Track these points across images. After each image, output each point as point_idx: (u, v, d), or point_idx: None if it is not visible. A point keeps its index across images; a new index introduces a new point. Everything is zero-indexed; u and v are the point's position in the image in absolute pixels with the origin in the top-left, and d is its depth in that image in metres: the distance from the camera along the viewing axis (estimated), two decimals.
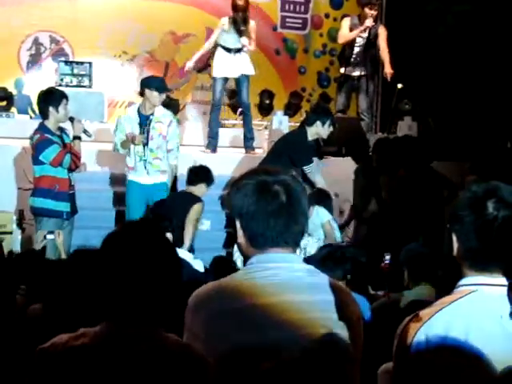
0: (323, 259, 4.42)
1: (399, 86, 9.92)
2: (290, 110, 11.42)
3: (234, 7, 8.87)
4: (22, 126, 9.47)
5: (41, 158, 6.57)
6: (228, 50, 8.95)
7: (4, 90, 10.46)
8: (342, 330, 2.15)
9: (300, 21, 12.64)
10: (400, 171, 7.69)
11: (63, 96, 6.69)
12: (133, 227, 2.07)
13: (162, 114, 7.26)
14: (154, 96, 7.12)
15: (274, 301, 2.12)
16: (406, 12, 11.47)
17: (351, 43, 9.58)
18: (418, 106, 10.11)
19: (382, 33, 9.48)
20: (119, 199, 7.90)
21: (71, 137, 6.78)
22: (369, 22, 9.38)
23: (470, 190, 2.13)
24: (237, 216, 2.21)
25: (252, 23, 8.97)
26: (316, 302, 2.15)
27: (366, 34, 9.48)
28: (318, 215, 6.91)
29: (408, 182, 7.58)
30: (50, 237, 6.02)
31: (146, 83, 7.25)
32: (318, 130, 7.41)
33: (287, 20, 12.55)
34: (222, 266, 5.46)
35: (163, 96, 7.27)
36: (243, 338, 2.09)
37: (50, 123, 6.62)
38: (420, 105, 10.20)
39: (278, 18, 12.48)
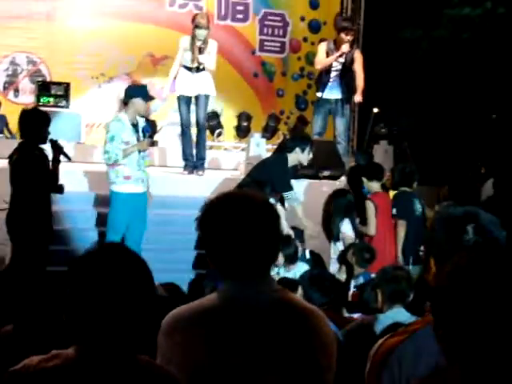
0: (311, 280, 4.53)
1: (375, 110, 10.01)
2: (268, 132, 11.48)
3: (195, 25, 8.86)
4: None
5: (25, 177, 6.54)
6: (189, 68, 8.92)
7: None
8: (313, 357, 2.14)
9: (278, 44, 12.72)
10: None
11: (46, 117, 6.68)
12: (107, 248, 2.05)
13: (142, 122, 7.38)
14: (140, 104, 7.21)
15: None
16: (382, 37, 11.61)
17: (328, 67, 9.66)
18: (393, 130, 10.20)
19: (358, 58, 9.58)
20: (100, 219, 7.86)
21: (50, 158, 6.75)
22: (345, 48, 9.48)
23: (447, 212, 2.12)
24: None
25: (213, 43, 8.95)
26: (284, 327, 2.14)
27: (342, 59, 9.57)
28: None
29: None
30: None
31: (132, 92, 7.32)
32: (299, 157, 7.53)
33: (265, 43, 12.63)
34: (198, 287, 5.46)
35: (147, 104, 7.41)
36: (217, 362, 2.09)
37: (30, 144, 6.56)
38: (396, 129, 10.29)
39: (256, 41, 12.55)
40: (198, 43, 8.80)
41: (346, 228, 7.33)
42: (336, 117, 9.79)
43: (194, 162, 9.11)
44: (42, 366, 1.96)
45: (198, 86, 8.92)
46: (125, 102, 7.35)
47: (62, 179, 7.03)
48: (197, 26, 8.81)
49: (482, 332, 1.55)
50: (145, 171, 7.31)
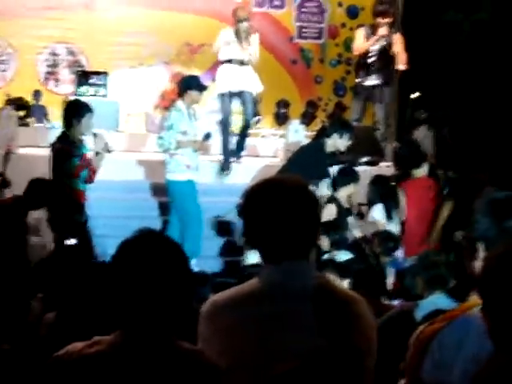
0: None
1: (415, 95, 9.92)
2: (306, 118, 11.43)
3: (238, 19, 8.74)
4: (39, 134, 9.59)
5: (62, 167, 6.65)
6: (231, 62, 8.76)
7: (22, 100, 10.56)
8: (354, 342, 2.14)
9: (316, 31, 12.65)
10: None
11: (87, 109, 6.79)
12: (146, 236, 2.07)
13: (197, 111, 7.65)
14: (196, 95, 7.43)
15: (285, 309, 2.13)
16: (423, 21, 11.46)
17: (366, 53, 9.59)
18: (433, 115, 10.09)
19: (398, 40, 9.50)
20: (139, 207, 7.98)
21: (90, 151, 6.83)
22: (382, 31, 9.40)
23: (491, 197, 2.12)
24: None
25: (255, 35, 8.84)
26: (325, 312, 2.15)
27: (380, 44, 9.49)
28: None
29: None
30: (70, 242, 6.12)
31: (187, 84, 7.51)
32: (336, 143, 7.43)
33: (303, 30, 12.57)
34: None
35: (201, 94, 7.53)
36: (258, 347, 2.10)
37: (72, 134, 6.71)
38: (436, 114, 10.18)
39: (294, 28, 12.50)
40: (243, 35, 8.69)
41: (377, 214, 7.26)
42: (375, 102, 9.73)
43: (230, 160, 8.91)
44: (84, 352, 1.99)
45: (243, 81, 8.76)
46: (180, 94, 7.52)
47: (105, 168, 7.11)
48: (239, 20, 8.69)
49: None
50: (198, 160, 7.54)
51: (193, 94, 7.41)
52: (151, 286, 1.98)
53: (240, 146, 8.99)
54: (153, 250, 2.02)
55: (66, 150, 6.62)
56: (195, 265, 7.31)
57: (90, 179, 6.73)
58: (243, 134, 9.00)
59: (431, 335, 2.06)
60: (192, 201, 7.45)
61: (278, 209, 2.16)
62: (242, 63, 8.74)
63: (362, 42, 9.57)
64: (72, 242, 6.12)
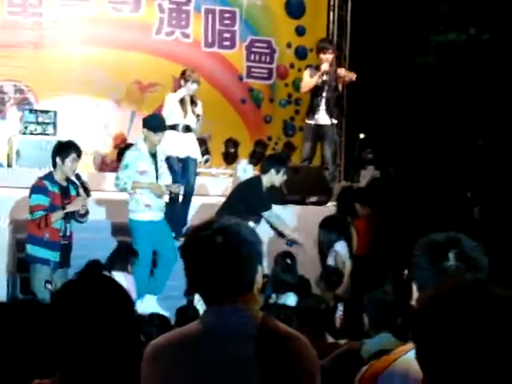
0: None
1: (361, 135, 10.08)
2: (255, 158, 11.50)
3: (187, 80, 8.43)
4: None
5: (29, 200, 6.75)
6: (176, 128, 8.39)
7: None
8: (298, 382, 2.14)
9: (265, 71, 12.78)
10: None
11: (74, 149, 6.86)
12: (88, 278, 2.06)
13: (161, 151, 7.59)
14: (154, 136, 7.36)
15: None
16: (368, 63, 11.69)
17: (316, 92, 9.76)
18: (380, 155, 10.26)
19: (342, 70, 9.79)
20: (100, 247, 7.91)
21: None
22: (325, 67, 9.64)
23: (430, 237, 2.14)
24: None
25: (199, 103, 8.65)
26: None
27: (325, 79, 9.69)
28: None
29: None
30: (48, 286, 6.10)
31: (147, 124, 7.49)
32: (272, 178, 7.55)
33: (253, 70, 12.69)
34: (185, 316, 5.43)
35: (163, 134, 7.48)
36: None
37: (57, 173, 6.82)
38: (382, 154, 10.34)
39: (243, 68, 12.62)
40: (191, 98, 8.51)
41: (341, 248, 7.36)
42: (324, 142, 9.84)
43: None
44: None
45: (187, 147, 8.51)
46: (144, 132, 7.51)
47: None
48: (193, 81, 8.42)
49: (460, 360, 1.55)
50: (162, 198, 7.52)
51: (150, 135, 7.38)
52: (90, 328, 1.95)
53: (183, 220, 8.45)
54: (93, 291, 2.01)
55: (39, 186, 6.74)
56: (153, 304, 7.28)
57: (41, 223, 6.66)
58: (185, 204, 8.60)
59: (376, 374, 2.08)
60: (145, 242, 7.37)
61: (212, 251, 2.16)
62: (187, 129, 8.50)
63: (308, 81, 9.78)
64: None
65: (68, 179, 6.90)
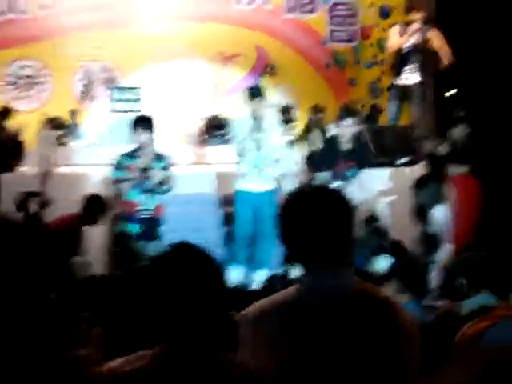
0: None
1: (451, 92, 9.84)
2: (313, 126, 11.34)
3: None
4: (77, 153, 9.70)
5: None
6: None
7: (59, 119, 10.69)
8: (396, 346, 2.13)
9: (348, 33, 12.60)
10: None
11: (140, 123, 7.05)
12: (180, 250, 2.08)
13: (273, 123, 7.59)
14: (255, 105, 7.29)
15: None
16: (457, 17, 11.31)
17: (401, 50, 9.56)
18: (471, 112, 9.99)
19: (435, 35, 9.46)
20: (223, 219, 8.13)
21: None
22: (416, 26, 9.39)
23: None
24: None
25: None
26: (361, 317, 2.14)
27: (415, 38, 9.46)
28: None
29: None
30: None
31: (248, 94, 7.43)
32: (341, 130, 7.45)
33: (335, 33, 12.53)
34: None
35: (262, 102, 7.39)
36: (302, 353, 2.10)
37: (133, 147, 7.05)
38: (474, 111, 10.07)
39: (326, 31, 12.47)
40: None
41: (439, 213, 7.24)
42: (412, 101, 9.66)
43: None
44: (128, 367, 2.00)
45: None
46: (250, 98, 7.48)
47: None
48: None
49: None
50: (263, 169, 7.38)
51: (252, 104, 7.36)
52: (187, 299, 1.99)
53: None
54: (186, 262, 2.03)
55: (115, 161, 7.07)
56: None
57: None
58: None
59: (475, 336, 2.04)
60: (238, 211, 7.48)
61: (313, 216, 2.19)
62: None
63: (396, 40, 9.56)
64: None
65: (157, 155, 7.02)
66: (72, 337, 3.70)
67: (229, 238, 7.81)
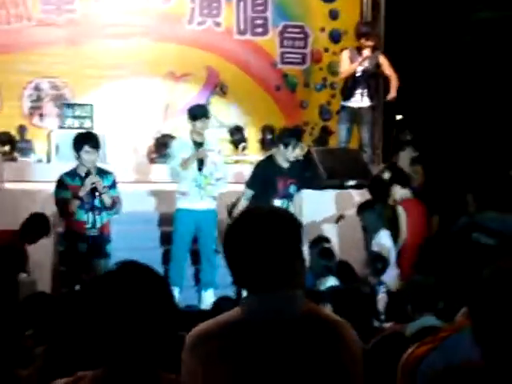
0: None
1: (399, 117, 10.00)
2: (265, 144, 11.46)
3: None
4: (25, 169, 9.58)
5: None
6: None
7: (7, 134, 10.55)
8: (342, 368, 2.13)
9: (299, 56, 12.71)
10: None
11: (87, 141, 6.91)
12: (126, 268, 2.05)
13: (212, 142, 7.61)
14: (197, 125, 7.39)
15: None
16: (403, 43, 11.54)
17: (354, 76, 9.70)
18: (418, 136, 10.17)
19: (384, 61, 9.65)
20: (164, 238, 8.06)
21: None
22: (367, 53, 9.54)
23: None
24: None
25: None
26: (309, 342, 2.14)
27: (365, 65, 9.62)
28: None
29: None
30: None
31: (190, 114, 7.55)
32: (283, 154, 7.48)
33: (286, 56, 12.63)
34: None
35: (206, 122, 7.47)
36: (243, 377, 2.09)
37: (78, 166, 6.91)
38: (421, 135, 10.24)
39: (277, 54, 12.56)
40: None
41: (384, 239, 7.30)
42: (361, 125, 9.78)
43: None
44: None
45: None
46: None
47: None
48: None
49: None
50: (205, 189, 7.45)
51: (192, 123, 7.43)
52: (130, 318, 1.95)
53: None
54: (131, 280, 2.00)
55: (58, 180, 6.90)
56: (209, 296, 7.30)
57: (61, 215, 6.90)
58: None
59: (419, 359, 2.05)
60: (178, 229, 7.46)
61: (256, 237, 2.16)
62: None
63: (348, 65, 9.69)
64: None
65: (89, 171, 6.89)
66: (15, 355, 3.64)
67: (165, 258, 7.76)
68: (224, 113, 11.88)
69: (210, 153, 7.54)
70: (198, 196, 7.46)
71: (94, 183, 6.82)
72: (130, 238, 7.62)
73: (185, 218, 7.41)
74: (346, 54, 9.89)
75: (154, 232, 8.35)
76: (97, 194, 6.82)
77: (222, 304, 5.41)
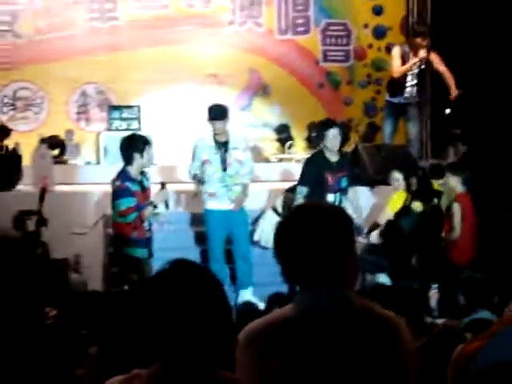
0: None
1: (447, 111, 9.86)
2: (312, 142, 11.40)
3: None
4: (74, 172, 9.70)
5: (114, 204, 6.70)
6: None
7: (56, 138, 10.72)
8: (395, 365, 2.11)
9: (342, 53, 12.64)
10: None
11: (146, 142, 6.78)
12: (179, 266, 2.05)
13: (237, 140, 7.50)
14: (216, 125, 7.35)
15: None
16: (451, 37, 11.37)
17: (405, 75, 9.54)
18: (468, 130, 10.02)
19: (435, 58, 9.44)
20: (200, 238, 8.05)
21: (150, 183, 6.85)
22: (423, 53, 9.31)
23: None
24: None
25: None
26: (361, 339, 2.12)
27: (418, 65, 9.44)
28: None
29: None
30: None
31: (209, 114, 7.45)
32: (325, 143, 7.42)
33: (329, 53, 12.58)
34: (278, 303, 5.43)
35: (225, 123, 7.38)
36: (296, 374, 2.08)
37: (133, 169, 6.66)
38: (471, 130, 10.10)
39: (319, 52, 12.51)
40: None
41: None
42: (409, 119, 9.66)
43: None
44: None
45: None
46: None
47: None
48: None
49: None
50: (232, 189, 7.42)
51: (213, 123, 7.38)
52: (186, 316, 1.95)
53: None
54: (186, 279, 2.00)
55: (124, 188, 6.59)
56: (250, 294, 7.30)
57: (135, 224, 6.67)
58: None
59: (471, 355, 2.01)
60: (211, 231, 7.48)
61: (308, 234, 2.15)
62: None
63: (400, 64, 9.42)
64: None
65: (141, 172, 6.78)
66: (71, 355, 3.68)
67: (203, 258, 7.77)
68: (267, 113, 11.90)
69: (235, 151, 7.49)
70: (225, 196, 7.43)
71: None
72: (168, 239, 7.64)
73: (216, 218, 7.41)
74: (396, 51, 9.61)
75: (187, 232, 8.36)
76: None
77: (275, 301, 5.40)
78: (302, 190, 7.40)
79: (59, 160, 10.34)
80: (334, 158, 7.50)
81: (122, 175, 6.67)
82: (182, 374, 1.96)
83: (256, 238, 7.75)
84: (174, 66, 11.67)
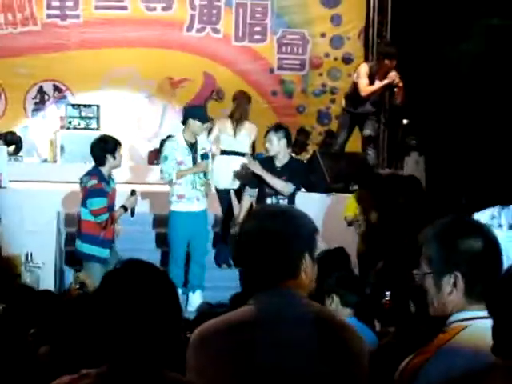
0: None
1: (405, 121, 9.95)
2: (297, 147, 11.43)
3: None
4: (30, 169, 9.59)
5: (87, 202, 6.69)
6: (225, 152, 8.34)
7: (12, 134, 10.58)
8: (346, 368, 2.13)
9: (298, 62, 12.71)
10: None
11: (117, 143, 6.86)
12: (130, 266, 2.03)
13: (203, 140, 7.63)
14: (197, 126, 7.33)
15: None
16: (409, 49, 11.53)
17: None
18: (424, 141, 10.13)
19: (397, 77, 9.34)
20: (162, 240, 8.03)
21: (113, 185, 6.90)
22: (392, 74, 9.22)
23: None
24: None
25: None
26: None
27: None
28: None
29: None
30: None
31: (190, 113, 7.47)
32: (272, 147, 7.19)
33: (284, 62, 12.64)
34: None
35: (205, 125, 7.53)
36: (248, 375, 2.08)
37: (105, 170, 6.74)
38: (427, 140, 10.22)
39: (274, 60, 12.57)
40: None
41: None
42: (365, 127, 9.68)
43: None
44: None
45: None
46: (183, 122, 7.51)
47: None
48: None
49: None
50: (200, 189, 7.41)
51: (192, 124, 7.37)
52: (135, 316, 1.94)
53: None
54: (137, 279, 1.98)
55: (100, 188, 6.68)
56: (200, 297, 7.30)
57: (106, 224, 6.72)
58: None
59: (415, 370, 2.04)
60: (175, 233, 7.45)
61: (261, 235, 2.17)
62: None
63: (367, 83, 9.29)
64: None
65: (110, 175, 6.88)
66: (18, 352, 3.64)
67: (163, 260, 7.75)
68: (220, 117, 11.93)
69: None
70: (193, 198, 7.44)
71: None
72: (128, 240, 7.60)
73: (182, 220, 7.38)
74: (364, 69, 9.43)
75: (150, 234, 8.35)
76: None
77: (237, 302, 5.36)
78: (249, 191, 7.35)
79: (15, 157, 10.21)
80: (278, 162, 7.34)
81: (99, 175, 6.72)
82: (128, 375, 1.95)
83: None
84: (130, 68, 11.66)
